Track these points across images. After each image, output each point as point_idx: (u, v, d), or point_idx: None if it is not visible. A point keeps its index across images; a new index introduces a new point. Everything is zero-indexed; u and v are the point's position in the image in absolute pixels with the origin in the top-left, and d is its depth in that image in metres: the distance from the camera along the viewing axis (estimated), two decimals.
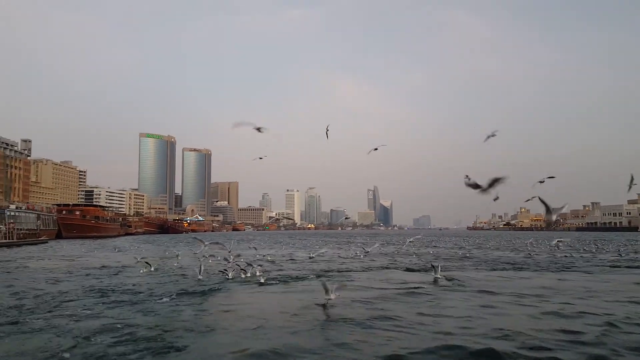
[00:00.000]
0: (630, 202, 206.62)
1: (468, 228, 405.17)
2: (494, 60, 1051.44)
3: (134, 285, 17.54)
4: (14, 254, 40.35)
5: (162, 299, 14.01)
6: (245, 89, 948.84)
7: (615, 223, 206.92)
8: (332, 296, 11.49)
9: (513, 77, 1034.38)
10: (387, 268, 24.56)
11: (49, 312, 11.91)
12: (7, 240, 59.13)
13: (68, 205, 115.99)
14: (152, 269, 22.70)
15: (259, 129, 15.70)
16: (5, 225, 64.11)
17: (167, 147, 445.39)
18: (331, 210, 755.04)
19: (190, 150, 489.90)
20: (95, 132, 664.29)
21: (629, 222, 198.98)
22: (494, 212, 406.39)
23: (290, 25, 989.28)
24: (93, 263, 29.26)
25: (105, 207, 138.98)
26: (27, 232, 71.15)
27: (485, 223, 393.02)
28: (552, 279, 19.60)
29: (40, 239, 71.89)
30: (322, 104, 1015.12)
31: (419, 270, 22.80)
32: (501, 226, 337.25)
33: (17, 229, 66.46)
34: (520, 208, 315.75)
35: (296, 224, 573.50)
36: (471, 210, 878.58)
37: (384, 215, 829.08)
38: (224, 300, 14.11)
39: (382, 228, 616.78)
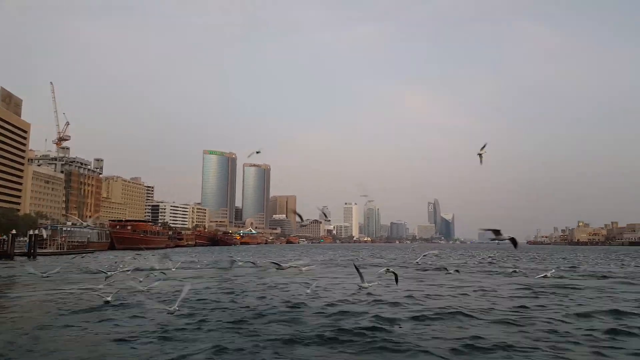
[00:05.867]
0: None
1: (528, 242, 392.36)
2: (559, 67, 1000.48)
3: None
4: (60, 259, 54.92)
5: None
6: (308, 105, 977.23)
7: None
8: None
9: (579, 85, 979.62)
10: None
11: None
12: (59, 250, 75.64)
13: (121, 220, 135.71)
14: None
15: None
16: (60, 238, 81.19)
17: (228, 163, 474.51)
18: (391, 223, 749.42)
19: (250, 165, 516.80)
20: (165, 148, 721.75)
21: None
22: (556, 225, 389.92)
23: (357, 41, 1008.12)
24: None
25: (153, 222, 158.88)
26: (78, 243, 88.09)
27: (546, 237, 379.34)
28: None
29: (87, 249, 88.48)
30: (386, 116, 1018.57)
31: None
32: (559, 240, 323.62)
33: (69, 241, 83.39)
34: (578, 222, 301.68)
35: (353, 237, 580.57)
36: (537, 224, 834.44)
37: (446, 228, 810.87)
38: None
39: (442, 242, 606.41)
